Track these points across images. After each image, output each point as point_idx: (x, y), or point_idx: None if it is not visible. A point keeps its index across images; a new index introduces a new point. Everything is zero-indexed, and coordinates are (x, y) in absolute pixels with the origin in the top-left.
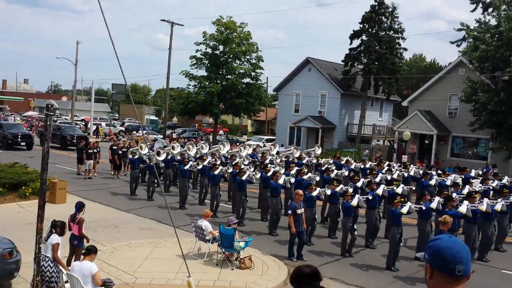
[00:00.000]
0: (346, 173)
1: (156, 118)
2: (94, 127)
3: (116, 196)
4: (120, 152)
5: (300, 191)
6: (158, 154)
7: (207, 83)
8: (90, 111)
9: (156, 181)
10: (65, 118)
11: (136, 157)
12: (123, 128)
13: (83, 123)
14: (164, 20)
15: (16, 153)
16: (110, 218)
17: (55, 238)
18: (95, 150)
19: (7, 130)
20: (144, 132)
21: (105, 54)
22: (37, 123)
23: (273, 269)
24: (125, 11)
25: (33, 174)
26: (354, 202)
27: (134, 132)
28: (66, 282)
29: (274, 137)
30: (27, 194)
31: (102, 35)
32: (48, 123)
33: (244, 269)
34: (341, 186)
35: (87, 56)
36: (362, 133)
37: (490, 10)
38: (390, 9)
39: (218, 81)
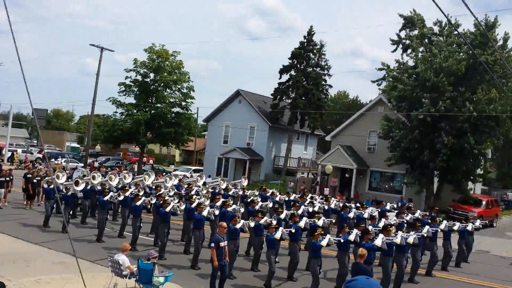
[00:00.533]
0: (271, 205)
1: (78, 146)
2: (9, 154)
3: (27, 227)
4: (35, 180)
5: (224, 224)
6: (77, 184)
7: (135, 111)
8: (6, 136)
9: (71, 212)
10: None
11: (51, 186)
12: (40, 155)
13: None
14: (93, 45)
15: None
16: (19, 252)
17: None
18: (7, 178)
19: None
20: (63, 160)
21: (30, 77)
22: None
23: None
24: (53, 33)
25: None
26: (278, 235)
27: (53, 159)
28: None
29: (202, 168)
30: None
31: (26, 57)
32: None
33: None
34: (266, 218)
35: (8, 79)
36: (288, 165)
37: (409, 51)
38: (318, 47)
39: (147, 109)
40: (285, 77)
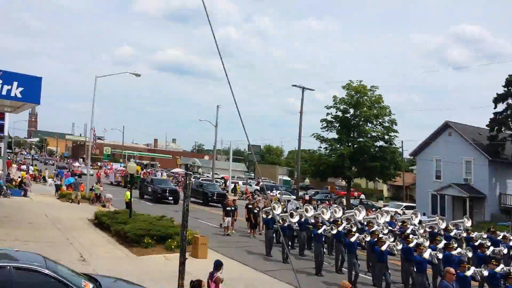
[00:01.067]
0: (505, 251)
1: (289, 179)
2: (232, 185)
3: (252, 255)
4: (255, 211)
5: (452, 270)
6: (291, 215)
7: (338, 145)
8: (229, 170)
9: (290, 243)
10: (207, 176)
11: (269, 217)
12: (258, 187)
13: (223, 181)
14: (295, 85)
15: (164, 207)
16: (247, 278)
17: None
18: (232, 208)
19: (157, 185)
20: (278, 192)
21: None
22: (182, 179)
23: None
24: (258, 77)
25: (178, 228)
26: None
27: (268, 191)
28: None
29: (414, 204)
30: (173, 247)
31: (239, 99)
32: (187, 181)
33: None
34: (502, 266)
35: (226, 119)
36: None
37: None
38: None
39: (349, 144)
40: (501, 106)
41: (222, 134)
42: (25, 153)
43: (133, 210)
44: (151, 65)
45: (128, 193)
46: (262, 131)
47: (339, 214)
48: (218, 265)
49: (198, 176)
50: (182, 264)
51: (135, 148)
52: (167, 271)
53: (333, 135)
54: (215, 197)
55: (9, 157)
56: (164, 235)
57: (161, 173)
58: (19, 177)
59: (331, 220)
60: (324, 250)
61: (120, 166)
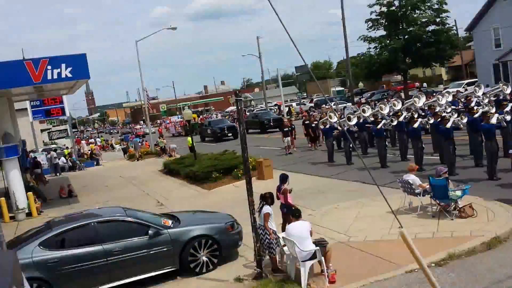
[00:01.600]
0: None
1: (342, 88)
2: (286, 109)
3: (316, 165)
4: (313, 125)
5: None
6: (349, 119)
7: (388, 41)
8: (280, 95)
9: (352, 146)
10: (260, 107)
11: (327, 126)
12: (312, 104)
13: (276, 107)
14: None
15: (225, 144)
16: (316, 185)
17: (265, 209)
18: (290, 128)
19: (215, 125)
20: (332, 103)
21: (284, 42)
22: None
23: (501, 214)
24: None
25: (241, 158)
26: None
27: (323, 105)
28: (284, 245)
29: (476, 79)
30: (240, 175)
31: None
32: (239, 107)
33: (465, 217)
34: None
35: (270, 48)
36: None
37: None
38: None
39: (400, 37)
40: None
41: (269, 64)
42: (90, 129)
43: (197, 152)
44: (186, 18)
45: (189, 138)
46: (306, 50)
47: (398, 106)
48: (284, 178)
49: (252, 108)
50: (248, 183)
51: (188, 99)
52: (238, 197)
53: (380, 32)
54: (271, 123)
55: (76, 135)
56: (229, 166)
57: (216, 114)
58: (89, 150)
59: (391, 113)
60: (387, 143)
61: (178, 118)
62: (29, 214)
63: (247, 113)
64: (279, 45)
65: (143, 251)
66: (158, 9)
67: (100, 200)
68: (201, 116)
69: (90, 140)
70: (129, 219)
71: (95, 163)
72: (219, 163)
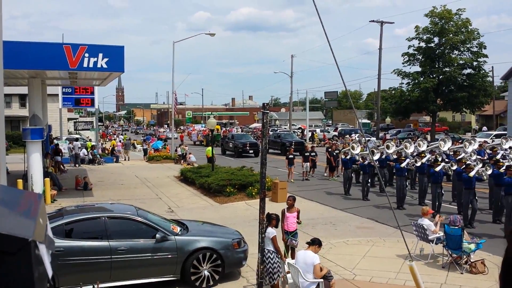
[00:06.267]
0: None
1: (368, 121)
2: (310, 134)
3: (331, 195)
4: (334, 153)
5: None
6: (372, 153)
7: (421, 78)
8: (305, 119)
9: (370, 180)
10: (284, 127)
11: (348, 157)
12: (336, 133)
13: (300, 131)
14: (373, 21)
15: (245, 160)
16: (327, 216)
17: (271, 232)
18: (311, 153)
19: (237, 140)
20: (357, 135)
21: (317, 64)
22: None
23: None
24: (335, 20)
25: (257, 176)
26: None
27: (347, 136)
28: (288, 272)
29: (505, 132)
30: (254, 193)
31: (313, 47)
32: (264, 120)
33: (476, 273)
34: None
35: (300, 69)
36: None
37: None
38: None
39: (434, 75)
40: None
41: (297, 85)
42: (116, 126)
43: (215, 164)
44: (225, 27)
45: (209, 149)
46: (339, 77)
47: (423, 147)
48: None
49: (276, 128)
50: (262, 200)
51: (214, 109)
52: (248, 215)
53: (415, 68)
54: (292, 146)
55: (101, 130)
56: (245, 183)
57: (236, 129)
58: (110, 146)
59: (415, 154)
60: (407, 184)
61: (202, 126)
62: None
63: (270, 132)
64: (311, 67)
65: (148, 254)
66: (199, 13)
67: (114, 197)
68: (224, 129)
69: (113, 136)
70: (139, 219)
71: (114, 159)
72: (235, 178)
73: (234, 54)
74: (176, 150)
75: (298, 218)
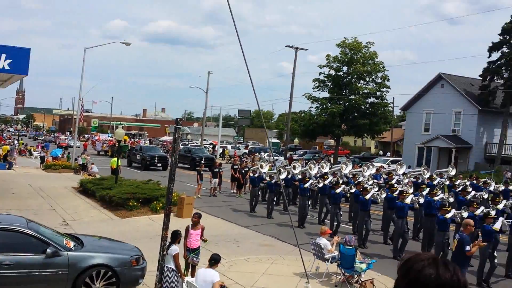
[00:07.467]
0: (485, 196)
1: (278, 141)
2: (221, 150)
3: (237, 212)
4: (243, 171)
5: (471, 221)
6: (279, 172)
7: (329, 104)
8: (218, 135)
9: (275, 199)
10: (196, 142)
11: (256, 175)
12: (246, 151)
13: (211, 146)
14: (288, 46)
15: (153, 173)
16: (231, 233)
17: (174, 249)
18: (219, 169)
19: (146, 152)
20: (266, 154)
21: (232, 82)
22: (171, 146)
23: None
24: (252, 42)
25: (164, 190)
26: (497, 226)
27: (257, 154)
28: None
29: (400, 159)
30: (158, 208)
31: (230, 65)
32: (176, 135)
33: None
34: (482, 208)
35: (215, 85)
36: (503, 153)
37: None
38: None
39: (341, 102)
40: (496, 55)
41: (212, 101)
42: (13, 130)
43: (120, 176)
44: (143, 37)
45: (114, 159)
46: (252, 96)
47: (326, 169)
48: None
49: (187, 142)
50: (167, 216)
51: (123, 119)
52: (151, 231)
53: (325, 94)
54: (203, 161)
55: None
56: (150, 197)
57: (144, 141)
58: (3, 152)
59: (318, 175)
60: (309, 204)
61: (108, 136)
62: None
63: (181, 146)
64: (227, 84)
65: (36, 270)
66: (116, 21)
67: (3, 207)
68: (132, 140)
69: (7, 141)
70: (29, 232)
71: (7, 166)
72: (139, 191)
73: (150, 66)
74: (76, 159)
75: (202, 235)
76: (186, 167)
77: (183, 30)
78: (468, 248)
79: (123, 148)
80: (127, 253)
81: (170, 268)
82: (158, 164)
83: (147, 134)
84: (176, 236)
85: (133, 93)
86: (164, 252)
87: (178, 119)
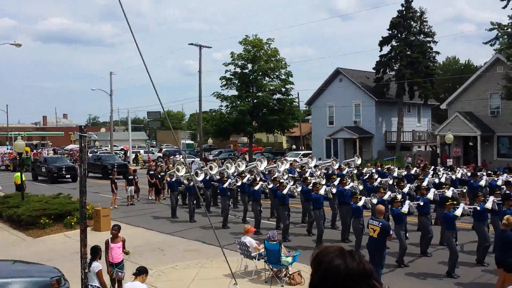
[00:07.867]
0: (391, 181)
1: (192, 142)
2: (134, 155)
3: (158, 220)
4: (159, 176)
5: (383, 207)
6: (196, 174)
7: (238, 102)
8: (128, 140)
9: (195, 202)
10: (105, 149)
11: (173, 179)
12: (161, 154)
13: (123, 152)
14: (192, 44)
15: (62, 186)
16: (155, 242)
17: (96, 266)
18: (134, 176)
19: (51, 163)
20: (181, 156)
21: (138, 83)
22: (78, 155)
23: None
24: (154, 39)
25: (77, 204)
26: (405, 209)
27: (172, 157)
28: None
29: (311, 152)
30: (73, 223)
31: (134, 64)
32: (82, 144)
33: (294, 285)
34: (389, 193)
35: (121, 86)
36: (401, 140)
37: None
38: (418, 14)
39: (249, 99)
40: (386, 49)
41: (118, 104)
42: None
43: (26, 192)
44: (35, 37)
45: (17, 174)
46: (160, 96)
47: (243, 167)
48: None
49: (95, 149)
50: (83, 231)
51: (22, 128)
52: (68, 248)
53: (233, 92)
54: (115, 169)
55: None
56: (62, 212)
57: (48, 151)
58: None
59: (236, 174)
60: (230, 203)
61: (7, 149)
62: None
63: (89, 154)
64: (133, 85)
65: None
66: (4, 20)
67: None
68: (35, 151)
69: None
70: None
71: None
72: (50, 207)
73: (46, 67)
74: None
75: (124, 248)
76: (98, 176)
77: (79, 28)
78: (390, 232)
79: (25, 160)
80: (47, 275)
81: (95, 286)
82: (67, 176)
83: (51, 144)
84: (96, 252)
85: (30, 99)
86: (86, 270)
87: (82, 127)
